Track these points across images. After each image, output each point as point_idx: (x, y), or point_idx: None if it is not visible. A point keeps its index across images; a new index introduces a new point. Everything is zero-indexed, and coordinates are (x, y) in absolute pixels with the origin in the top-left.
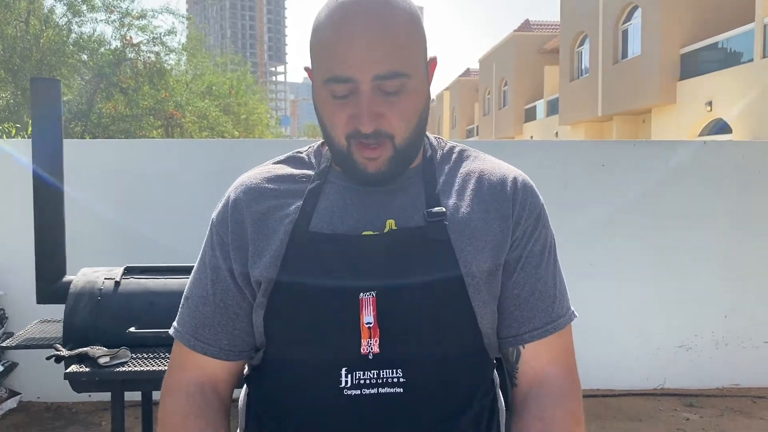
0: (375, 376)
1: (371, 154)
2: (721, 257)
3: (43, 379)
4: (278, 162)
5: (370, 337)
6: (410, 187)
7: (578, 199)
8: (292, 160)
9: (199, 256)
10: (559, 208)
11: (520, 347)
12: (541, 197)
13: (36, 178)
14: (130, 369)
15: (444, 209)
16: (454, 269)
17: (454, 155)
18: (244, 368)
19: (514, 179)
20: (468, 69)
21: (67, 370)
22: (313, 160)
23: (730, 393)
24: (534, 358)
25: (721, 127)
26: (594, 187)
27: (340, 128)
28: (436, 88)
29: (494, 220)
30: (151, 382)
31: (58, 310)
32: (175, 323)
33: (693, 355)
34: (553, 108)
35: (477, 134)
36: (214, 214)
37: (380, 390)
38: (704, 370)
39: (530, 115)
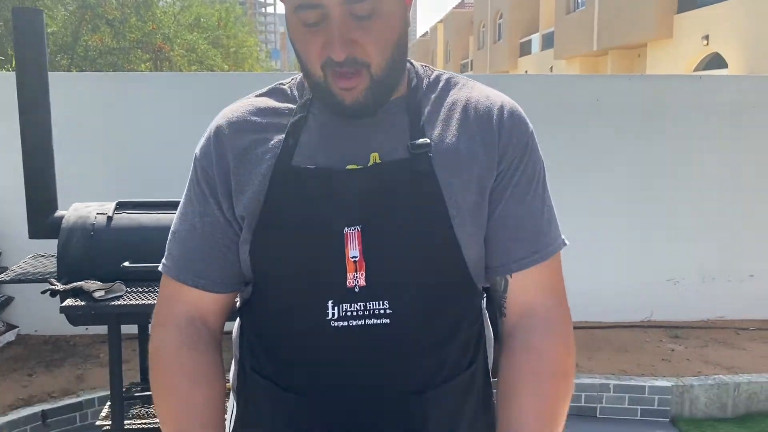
0: (362, 308)
1: (347, 84)
2: (713, 191)
3: (40, 313)
4: (260, 95)
5: (356, 271)
6: (394, 119)
7: (572, 134)
8: (275, 93)
9: (185, 192)
10: (553, 143)
11: (508, 277)
12: (530, 124)
13: (22, 111)
14: (125, 303)
15: (428, 141)
16: (438, 202)
17: (441, 83)
18: (235, 301)
19: (501, 107)
20: (463, 0)
21: (63, 304)
22: (296, 93)
23: (714, 325)
24: (522, 287)
25: (717, 61)
26: (588, 122)
27: (313, 58)
28: (429, 21)
29: (480, 150)
30: (146, 315)
31: (51, 245)
32: (164, 260)
33: (680, 288)
34: (548, 42)
35: (471, 68)
36: (197, 149)
37: (367, 321)
38: (690, 303)
39: (525, 49)
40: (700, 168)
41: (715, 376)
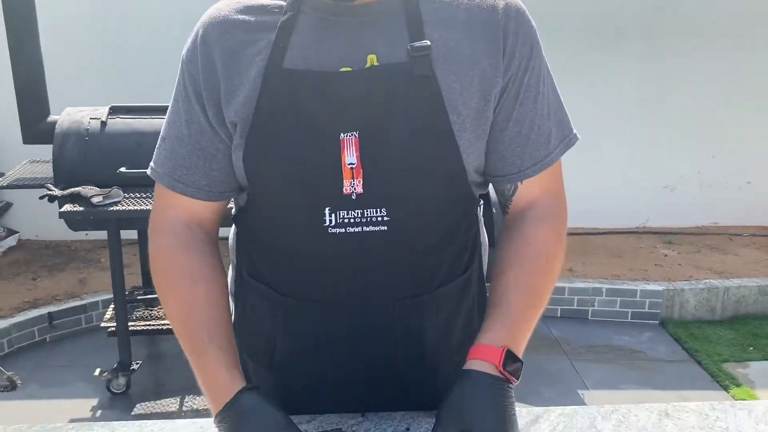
0: (359, 215)
1: None
2: (715, 98)
3: (40, 218)
4: None
5: (353, 178)
6: (391, 18)
7: (575, 39)
8: None
9: (173, 96)
10: (555, 47)
11: (518, 183)
12: (533, 22)
13: (7, 13)
14: (123, 208)
15: (428, 43)
16: (439, 107)
17: None
18: (229, 207)
19: (506, 6)
20: None
21: (62, 210)
22: None
23: (708, 231)
24: (528, 189)
25: None
26: (593, 26)
27: None
28: None
29: (483, 53)
30: (145, 220)
31: (46, 151)
32: (152, 163)
33: (677, 195)
34: None
35: None
36: (183, 51)
37: (364, 228)
38: (686, 209)
39: None
40: (703, 75)
41: (706, 281)
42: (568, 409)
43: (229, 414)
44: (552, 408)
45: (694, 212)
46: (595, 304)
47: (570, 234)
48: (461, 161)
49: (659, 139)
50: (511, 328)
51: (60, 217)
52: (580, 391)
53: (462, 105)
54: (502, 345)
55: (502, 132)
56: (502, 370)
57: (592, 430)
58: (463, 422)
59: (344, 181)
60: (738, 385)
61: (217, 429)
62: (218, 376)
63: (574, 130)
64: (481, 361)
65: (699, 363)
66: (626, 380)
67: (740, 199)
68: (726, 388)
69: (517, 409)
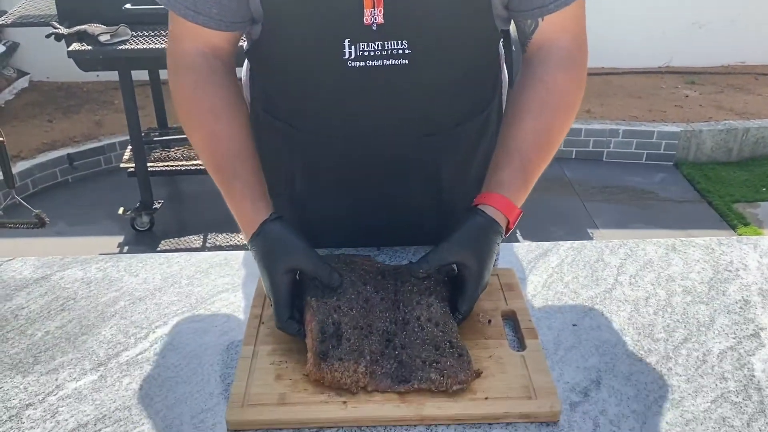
0: (379, 48)
1: None
2: None
3: (49, 59)
4: None
5: (373, 7)
6: None
7: None
8: None
9: None
10: None
11: (540, 19)
12: None
13: None
14: (133, 47)
15: None
16: None
17: None
18: (241, 44)
19: None
20: None
21: (70, 49)
22: None
23: (734, 71)
24: (549, 26)
25: None
26: None
27: None
28: None
29: None
30: (156, 60)
31: None
32: None
33: (704, 32)
34: None
35: None
36: None
37: (385, 62)
38: (713, 48)
39: None
40: None
41: (725, 121)
42: (577, 243)
43: (257, 242)
44: (561, 242)
45: (720, 51)
46: (611, 145)
47: (589, 75)
48: None
49: None
50: (527, 184)
51: (69, 57)
52: (589, 230)
53: None
54: (521, 204)
55: None
56: (511, 228)
57: (600, 263)
58: (458, 256)
59: (365, 10)
60: (746, 224)
61: (250, 252)
62: (244, 209)
63: None
64: (498, 212)
65: (710, 203)
66: (636, 220)
67: None
68: (734, 227)
69: (526, 244)
